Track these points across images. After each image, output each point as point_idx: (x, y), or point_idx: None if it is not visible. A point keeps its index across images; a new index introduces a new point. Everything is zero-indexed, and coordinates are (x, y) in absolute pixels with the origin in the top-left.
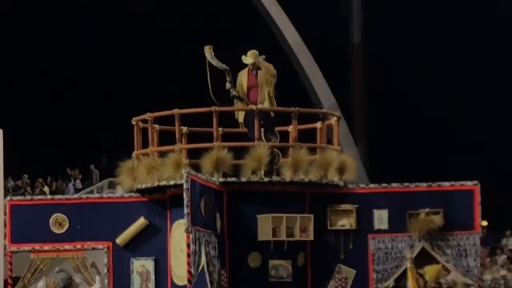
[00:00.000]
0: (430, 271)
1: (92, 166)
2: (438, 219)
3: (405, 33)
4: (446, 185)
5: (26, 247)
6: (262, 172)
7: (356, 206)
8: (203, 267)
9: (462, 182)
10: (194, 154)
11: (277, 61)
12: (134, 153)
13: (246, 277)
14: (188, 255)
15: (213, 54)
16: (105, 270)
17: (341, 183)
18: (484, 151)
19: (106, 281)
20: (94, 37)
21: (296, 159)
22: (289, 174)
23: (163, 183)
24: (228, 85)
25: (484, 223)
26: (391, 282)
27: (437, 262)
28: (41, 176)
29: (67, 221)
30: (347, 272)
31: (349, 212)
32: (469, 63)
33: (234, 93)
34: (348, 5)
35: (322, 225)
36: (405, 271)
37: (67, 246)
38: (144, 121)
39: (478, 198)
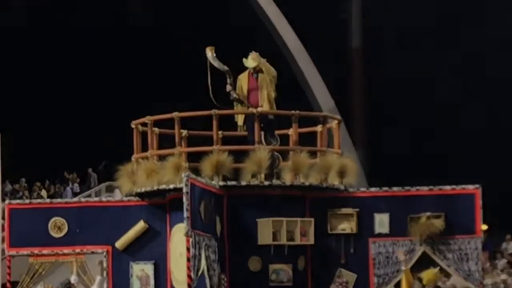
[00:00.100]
0: (426, 275)
1: (90, 170)
2: (439, 223)
3: (405, 37)
4: (447, 189)
5: (25, 251)
6: (262, 175)
7: (357, 210)
8: (203, 271)
9: (464, 186)
10: (193, 158)
11: (276, 65)
12: (133, 157)
13: (246, 282)
14: (188, 259)
15: (214, 55)
16: (105, 274)
17: (342, 187)
18: (484, 154)
19: (105, 285)
20: (93, 38)
21: (297, 162)
22: (289, 177)
23: (163, 186)
24: (228, 87)
25: (484, 227)
26: (391, 286)
27: (434, 266)
28: (39, 180)
29: (66, 225)
30: (348, 276)
31: (350, 216)
32: (469, 64)
33: (234, 95)
34: (348, 9)
35: (323, 229)
36: None
37: (66, 250)
38: (144, 124)
39: (479, 202)
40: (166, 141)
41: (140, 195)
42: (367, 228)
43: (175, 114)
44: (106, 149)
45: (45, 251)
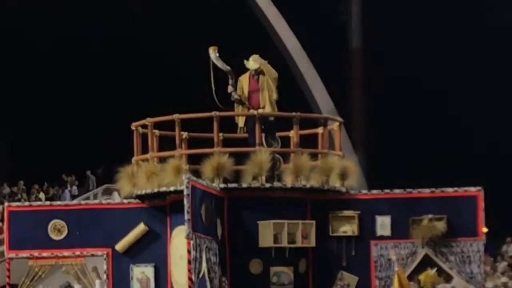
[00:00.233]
0: (424, 276)
1: (88, 172)
2: (441, 226)
3: (405, 38)
4: (449, 191)
5: (25, 253)
6: (263, 178)
7: (359, 212)
8: (203, 274)
9: (466, 188)
10: (194, 160)
11: (276, 67)
12: (133, 159)
13: (247, 284)
14: (189, 262)
15: (217, 55)
16: (105, 277)
17: (343, 189)
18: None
19: None
20: (93, 39)
21: (298, 164)
22: (290, 180)
23: (163, 189)
24: (230, 88)
25: (485, 229)
26: None
27: (431, 268)
28: (37, 183)
29: (66, 227)
30: (349, 279)
31: (351, 218)
32: (470, 66)
33: (235, 96)
34: (347, 10)
35: (324, 232)
36: (409, 278)
37: (66, 253)
38: (144, 126)
39: (481, 204)
40: (166, 143)
41: (141, 197)
42: (369, 231)
43: (176, 116)
44: (106, 151)
45: (45, 253)
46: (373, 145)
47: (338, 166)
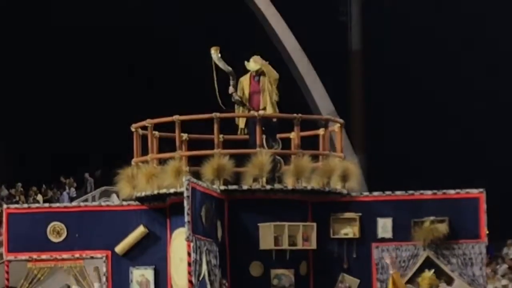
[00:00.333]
0: (421, 278)
1: (86, 175)
2: (443, 228)
3: (405, 40)
4: (451, 193)
5: (23, 256)
6: (264, 179)
7: (360, 214)
8: (204, 277)
9: (468, 190)
10: (194, 162)
11: (275, 68)
12: (133, 161)
13: (247, 287)
14: (189, 264)
15: (219, 55)
16: (104, 279)
17: (344, 191)
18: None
19: None
20: (93, 39)
21: (299, 166)
22: (291, 181)
23: (163, 191)
24: (231, 89)
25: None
26: None
27: (430, 269)
28: (35, 185)
29: (65, 229)
30: (351, 282)
31: (353, 220)
32: (470, 66)
33: (236, 97)
34: (347, 11)
35: (325, 234)
36: (410, 281)
37: (65, 255)
38: (144, 127)
39: (483, 206)
40: (166, 145)
41: (140, 199)
42: (370, 233)
43: (176, 117)
44: (105, 153)
45: (44, 256)
46: (373, 147)
47: (339, 168)
